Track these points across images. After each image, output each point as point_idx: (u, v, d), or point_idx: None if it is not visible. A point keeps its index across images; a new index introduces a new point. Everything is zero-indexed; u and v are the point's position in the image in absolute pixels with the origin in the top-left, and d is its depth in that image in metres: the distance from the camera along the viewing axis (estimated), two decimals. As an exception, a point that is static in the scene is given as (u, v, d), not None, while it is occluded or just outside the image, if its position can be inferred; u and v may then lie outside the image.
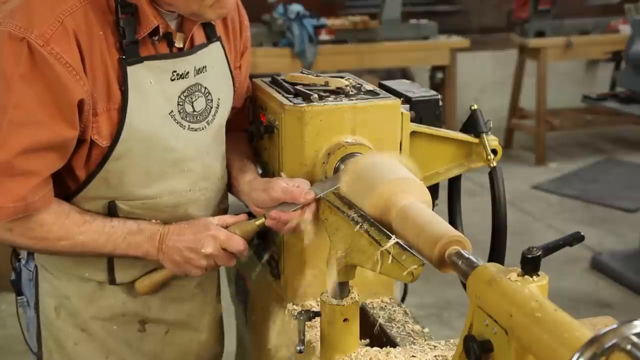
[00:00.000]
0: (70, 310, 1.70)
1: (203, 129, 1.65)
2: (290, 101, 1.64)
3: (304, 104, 1.62)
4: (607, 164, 6.56)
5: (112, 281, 1.68)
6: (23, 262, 1.76)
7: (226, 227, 1.63)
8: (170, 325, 1.78)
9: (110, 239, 1.58)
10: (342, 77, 1.77)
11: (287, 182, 1.60)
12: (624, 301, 4.17)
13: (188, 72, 1.60)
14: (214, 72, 1.67)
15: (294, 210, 1.57)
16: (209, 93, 1.65)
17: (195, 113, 1.62)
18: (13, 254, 1.80)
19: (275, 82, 1.80)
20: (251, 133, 1.84)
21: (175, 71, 1.58)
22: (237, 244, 1.61)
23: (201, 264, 1.61)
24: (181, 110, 1.60)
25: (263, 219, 1.62)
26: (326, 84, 1.72)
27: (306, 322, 1.51)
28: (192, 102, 1.61)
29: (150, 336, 1.76)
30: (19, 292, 1.79)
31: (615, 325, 0.87)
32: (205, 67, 1.64)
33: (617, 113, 5.07)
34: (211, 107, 1.66)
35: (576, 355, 0.86)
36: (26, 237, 1.54)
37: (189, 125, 1.62)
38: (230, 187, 1.80)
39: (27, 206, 1.48)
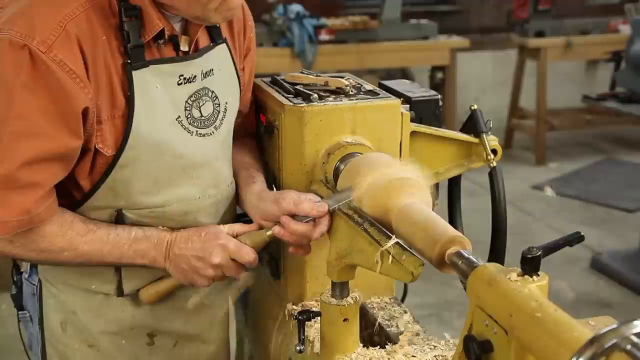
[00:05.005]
0: (77, 325, 1.67)
1: (211, 134, 1.61)
2: (290, 101, 1.64)
3: (304, 104, 1.62)
4: (607, 164, 6.56)
5: (119, 293, 1.64)
6: (25, 275, 1.72)
7: (235, 237, 1.59)
8: (179, 338, 1.75)
9: (116, 247, 1.53)
10: (342, 77, 1.77)
11: (298, 194, 1.56)
12: (624, 301, 4.17)
13: (195, 76, 1.56)
14: (221, 75, 1.63)
15: (305, 222, 1.52)
16: (216, 97, 1.61)
17: (202, 118, 1.59)
18: (13, 267, 1.76)
19: (275, 82, 1.80)
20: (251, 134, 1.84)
21: (182, 75, 1.54)
22: (247, 254, 1.56)
23: (208, 274, 1.57)
24: (188, 116, 1.56)
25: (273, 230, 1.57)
26: (326, 84, 1.71)
27: (306, 322, 1.50)
28: (200, 107, 1.58)
29: (159, 349, 1.73)
30: (20, 307, 1.75)
31: (615, 325, 0.87)
32: (212, 70, 1.60)
33: (617, 113, 5.07)
34: (219, 112, 1.62)
35: (576, 356, 0.86)
36: (28, 249, 1.50)
37: (196, 131, 1.58)
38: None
39: (31, 219, 1.44)
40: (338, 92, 1.69)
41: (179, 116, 1.55)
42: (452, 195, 1.89)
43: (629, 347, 0.86)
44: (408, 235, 1.29)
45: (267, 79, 1.84)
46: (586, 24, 6.62)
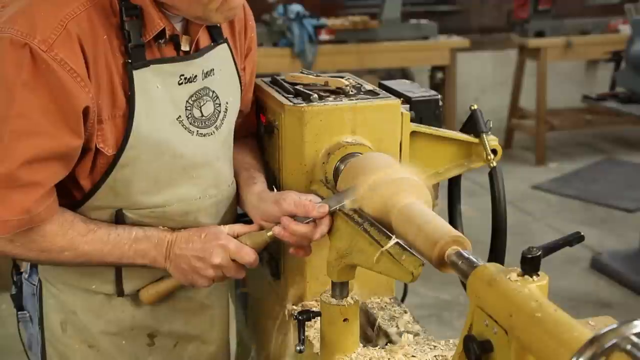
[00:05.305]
0: (77, 325, 1.67)
1: (212, 134, 1.61)
2: (290, 101, 1.64)
3: (304, 104, 1.62)
4: (607, 164, 6.56)
5: (120, 293, 1.64)
6: (25, 275, 1.72)
7: (236, 237, 1.59)
8: (179, 338, 1.74)
9: (116, 247, 1.53)
10: (342, 77, 1.77)
11: (299, 195, 1.56)
12: (624, 301, 4.17)
13: (196, 76, 1.56)
14: (222, 75, 1.63)
15: (305, 223, 1.51)
16: (217, 97, 1.61)
17: (203, 118, 1.58)
18: (13, 267, 1.75)
19: (275, 82, 1.80)
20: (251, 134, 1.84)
21: (182, 75, 1.53)
22: (248, 255, 1.56)
23: (208, 274, 1.56)
24: (189, 116, 1.56)
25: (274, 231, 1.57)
26: (326, 84, 1.72)
27: (306, 322, 1.50)
28: (200, 107, 1.57)
29: (159, 350, 1.72)
30: (20, 307, 1.74)
31: (615, 325, 0.87)
32: (213, 70, 1.60)
33: (617, 113, 5.07)
34: (219, 112, 1.62)
35: (576, 356, 0.86)
36: (28, 248, 1.50)
37: (197, 131, 1.57)
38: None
39: (31, 218, 1.44)
40: (338, 92, 1.69)
41: (180, 116, 1.55)
42: (452, 195, 1.89)
43: (629, 347, 0.86)
44: (408, 235, 1.29)
45: (267, 79, 1.84)
46: (586, 24, 6.62)
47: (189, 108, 1.56)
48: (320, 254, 1.58)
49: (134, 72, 1.47)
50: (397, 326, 1.65)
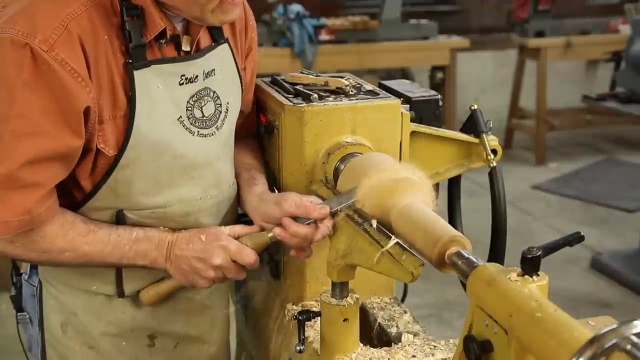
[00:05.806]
0: (78, 326, 1.67)
1: (212, 134, 1.60)
2: (290, 101, 1.64)
3: (304, 104, 1.62)
4: (607, 164, 6.56)
5: (120, 294, 1.64)
6: (25, 276, 1.71)
7: (237, 238, 1.59)
8: (180, 339, 1.74)
9: (117, 247, 1.53)
10: (342, 77, 1.77)
11: (300, 196, 1.56)
12: (624, 301, 4.17)
13: (197, 76, 1.56)
14: (223, 75, 1.63)
15: (306, 224, 1.51)
16: (218, 97, 1.60)
17: (204, 118, 1.58)
18: (13, 269, 1.75)
19: (275, 82, 1.80)
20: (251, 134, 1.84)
21: (183, 75, 1.53)
22: (248, 256, 1.56)
23: (209, 275, 1.56)
24: (190, 116, 1.55)
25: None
26: (326, 84, 1.72)
27: (306, 322, 1.50)
28: (201, 107, 1.57)
29: (159, 351, 1.72)
30: (20, 308, 1.74)
31: (615, 325, 0.87)
32: (214, 70, 1.60)
33: (617, 113, 5.08)
34: (220, 112, 1.62)
35: (576, 356, 0.86)
36: (28, 249, 1.49)
37: (198, 131, 1.57)
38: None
39: (32, 219, 1.43)
40: (338, 92, 1.69)
41: (181, 116, 1.55)
42: (452, 195, 1.89)
43: (629, 347, 0.86)
44: (408, 235, 1.29)
45: (267, 79, 1.84)
46: (586, 24, 6.62)
47: (189, 108, 1.56)
48: (320, 254, 1.58)
49: (135, 72, 1.47)
50: (397, 326, 1.65)
